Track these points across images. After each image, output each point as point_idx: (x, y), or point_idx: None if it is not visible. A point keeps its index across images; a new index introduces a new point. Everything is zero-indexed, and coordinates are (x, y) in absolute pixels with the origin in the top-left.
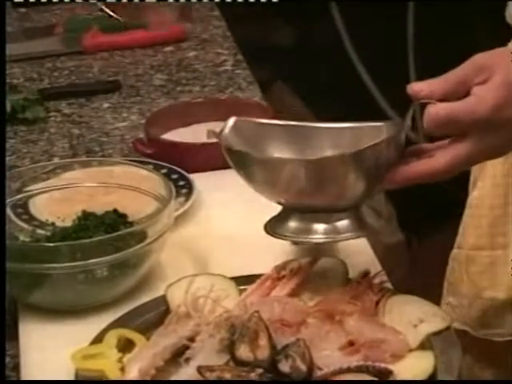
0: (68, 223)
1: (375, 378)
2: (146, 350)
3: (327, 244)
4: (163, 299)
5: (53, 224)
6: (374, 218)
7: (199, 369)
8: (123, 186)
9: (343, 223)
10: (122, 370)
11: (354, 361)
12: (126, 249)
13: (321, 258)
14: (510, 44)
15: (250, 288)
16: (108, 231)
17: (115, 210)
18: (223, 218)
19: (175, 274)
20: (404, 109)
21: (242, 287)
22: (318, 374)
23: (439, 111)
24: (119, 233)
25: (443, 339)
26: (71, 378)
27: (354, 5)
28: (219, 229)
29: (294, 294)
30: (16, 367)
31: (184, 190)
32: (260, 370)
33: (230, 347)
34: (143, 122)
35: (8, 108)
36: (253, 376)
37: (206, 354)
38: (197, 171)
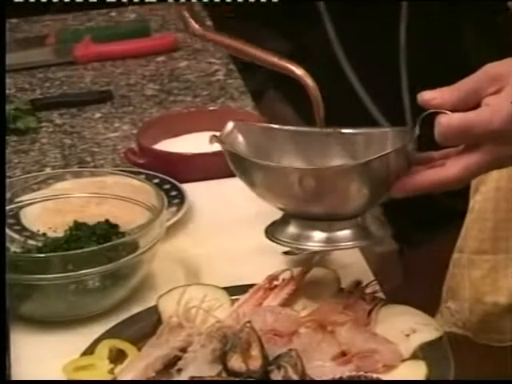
0: (60, 234)
1: None
2: (137, 360)
3: (319, 253)
4: (155, 310)
5: (44, 235)
6: (378, 227)
7: (191, 380)
8: (115, 197)
9: (346, 232)
10: None
11: (347, 371)
12: (117, 259)
13: (313, 268)
14: None
15: (243, 298)
16: (100, 242)
17: (107, 221)
18: (215, 228)
19: (167, 284)
20: (396, 118)
21: (234, 297)
22: None
23: (451, 121)
24: (111, 243)
25: (436, 349)
26: None
27: (346, 14)
28: (211, 239)
29: (286, 304)
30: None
31: (176, 200)
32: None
33: (222, 358)
34: (135, 132)
35: None
36: None
37: (198, 365)
38: (189, 181)
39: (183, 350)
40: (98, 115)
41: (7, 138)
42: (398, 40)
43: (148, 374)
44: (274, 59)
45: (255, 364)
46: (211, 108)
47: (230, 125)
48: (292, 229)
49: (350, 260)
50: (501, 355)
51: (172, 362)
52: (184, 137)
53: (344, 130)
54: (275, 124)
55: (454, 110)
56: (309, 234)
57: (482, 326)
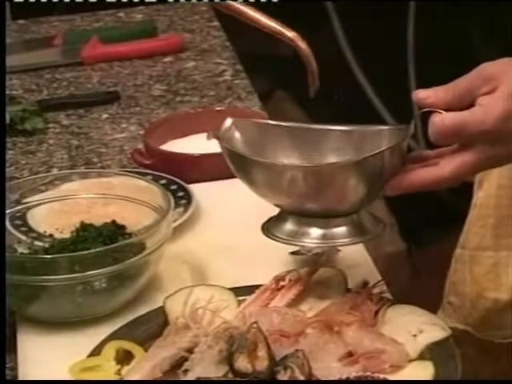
0: (66, 235)
1: None
2: (144, 361)
3: (326, 253)
4: (162, 311)
5: (51, 236)
6: (373, 224)
7: (195, 380)
8: (122, 198)
9: (342, 229)
10: None
11: (353, 371)
12: (124, 260)
13: (320, 269)
14: None
15: (249, 299)
16: (106, 243)
17: (114, 222)
18: (222, 229)
19: (174, 285)
20: (404, 118)
21: (240, 298)
22: None
23: (445, 121)
24: (117, 244)
25: (443, 349)
26: None
27: (354, 14)
28: (218, 239)
29: (293, 304)
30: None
31: (183, 201)
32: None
33: (228, 358)
34: (142, 132)
35: (7, 119)
36: None
37: (205, 366)
38: (196, 182)
39: (190, 350)
40: (105, 116)
41: (15, 139)
42: (405, 39)
43: (155, 375)
44: (268, 21)
45: (262, 365)
46: (218, 108)
47: (228, 121)
48: (288, 225)
49: (357, 260)
50: (502, 351)
51: (179, 363)
52: (191, 137)
53: (341, 127)
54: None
55: (448, 109)
56: (305, 231)
57: (483, 321)
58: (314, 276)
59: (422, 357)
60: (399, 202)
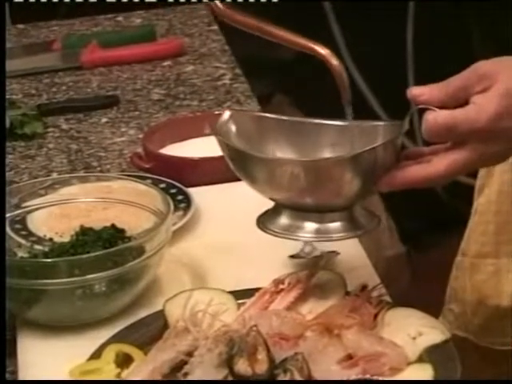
0: (66, 239)
1: None
2: (144, 365)
3: (325, 256)
4: (161, 314)
5: (51, 239)
6: (367, 219)
7: (191, 380)
8: (121, 201)
9: (336, 223)
10: None
11: (353, 374)
12: (123, 264)
13: (319, 272)
14: None
15: (249, 302)
16: (106, 246)
17: (113, 225)
18: (221, 232)
19: (173, 288)
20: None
21: (240, 301)
22: None
23: (438, 119)
24: (117, 248)
25: (442, 352)
26: None
27: (352, 17)
28: (217, 243)
29: (292, 307)
30: None
31: (182, 205)
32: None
33: (228, 361)
34: (141, 136)
35: (7, 124)
36: None
37: (205, 369)
38: (195, 185)
39: (189, 354)
40: (104, 120)
41: (14, 143)
42: (405, 42)
43: (154, 378)
44: (298, 39)
45: (261, 368)
46: (217, 112)
47: (226, 114)
48: (283, 219)
49: (357, 263)
50: (503, 358)
51: (178, 366)
52: (190, 141)
53: (336, 122)
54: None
55: (442, 107)
56: (299, 225)
57: (484, 328)
58: (313, 279)
59: (421, 359)
60: (399, 205)
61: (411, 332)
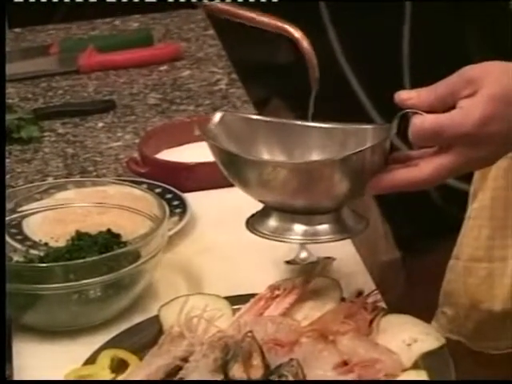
0: (62, 243)
1: None
2: (139, 370)
3: (321, 263)
4: (157, 319)
5: (46, 244)
6: (355, 221)
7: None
8: (117, 206)
9: (324, 226)
10: None
11: None
12: (119, 269)
13: (314, 278)
14: None
15: (244, 307)
16: (101, 251)
17: (109, 230)
18: (217, 238)
19: (169, 294)
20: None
21: (235, 307)
22: None
23: (424, 123)
24: (113, 253)
25: (437, 358)
26: None
27: (348, 22)
28: (213, 248)
29: (287, 313)
30: None
31: (178, 210)
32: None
33: (223, 367)
34: (137, 141)
35: None
36: None
37: (200, 374)
38: (191, 191)
39: (185, 359)
40: (100, 124)
41: (10, 147)
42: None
43: None
44: (272, 20)
45: (256, 373)
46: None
47: (217, 115)
48: (272, 221)
49: (352, 269)
50: (496, 362)
51: (173, 372)
52: (186, 146)
53: (325, 125)
54: None
55: (430, 111)
56: (288, 227)
57: (477, 332)
58: (308, 285)
59: (416, 366)
60: (394, 210)
61: (406, 338)
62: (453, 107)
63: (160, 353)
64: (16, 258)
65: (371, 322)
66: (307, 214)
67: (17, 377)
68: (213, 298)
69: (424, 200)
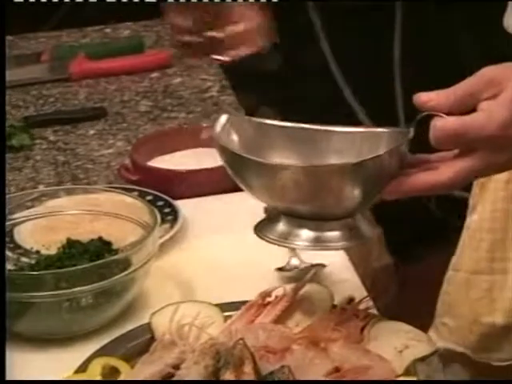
0: (53, 251)
1: None
2: (130, 378)
3: (312, 269)
4: (148, 327)
5: (37, 252)
6: (368, 227)
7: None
8: (108, 214)
9: (335, 232)
10: None
11: None
12: (110, 277)
13: (306, 285)
14: None
15: (235, 315)
16: (93, 259)
17: (100, 238)
18: (208, 245)
19: (160, 301)
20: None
21: (227, 314)
22: None
23: (446, 125)
24: (104, 261)
25: (428, 364)
26: None
27: (340, 29)
28: (204, 256)
29: (278, 320)
30: None
31: (169, 217)
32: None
33: (215, 374)
34: (129, 148)
35: None
36: None
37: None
38: (182, 198)
39: (176, 366)
40: (91, 132)
41: None
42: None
43: None
44: None
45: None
46: (205, 124)
47: (223, 118)
48: (281, 227)
49: (343, 276)
50: (499, 374)
51: (165, 379)
52: (178, 153)
53: (340, 129)
54: None
55: (449, 113)
56: (298, 233)
57: (480, 344)
58: (300, 292)
59: (408, 373)
60: (387, 216)
61: (398, 345)
62: (472, 110)
63: (151, 360)
64: (7, 266)
65: (362, 328)
66: (318, 220)
67: None
68: (204, 305)
69: (417, 206)
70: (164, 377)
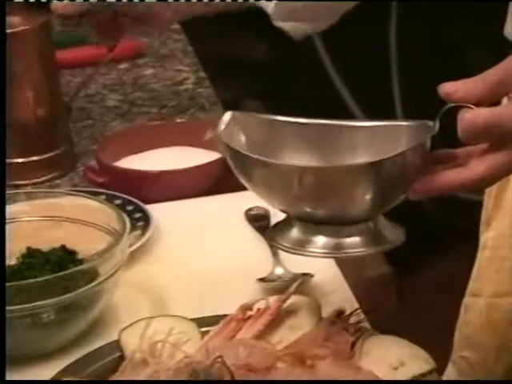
0: (11, 261)
1: None
2: None
3: (298, 280)
4: (117, 344)
5: None
6: (391, 231)
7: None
8: (72, 220)
9: (355, 238)
10: None
11: None
12: (75, 289)
13: (291, 297)
14: None
15: (213, 330)
16: (55, 270)
17: (63, 247)
18: (183, 253)
19: (130, 316)
20: None
21: (204, 329)
22: None
23: (477, 118)
24: (67, 272)
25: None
26: None
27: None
28: (179, 265)
29: (261, 336)
30: None
31: (140, 223)
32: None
33: None
34: (95, 147)
35: None
36: None
37: None
38: (154, 202)
39: None
40: None
41: None
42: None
43: None
44: None
45: None
46: (179, 120)
47: (227, 115)
48: (295, 233)
49: (332, 286)
50: None
51: None
52: (149, 152)
53: (355, 123)
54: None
55: (478, 104)
56: (314, 240)
57: (509, 375)
58: (284, 305)
59: None
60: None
61: (392, 362)
62: (501, 99)
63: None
64: None
65: (353, 344)
66: (336, 225)
67: None
68: (178, 319)
69: (418, 211)
70: None
